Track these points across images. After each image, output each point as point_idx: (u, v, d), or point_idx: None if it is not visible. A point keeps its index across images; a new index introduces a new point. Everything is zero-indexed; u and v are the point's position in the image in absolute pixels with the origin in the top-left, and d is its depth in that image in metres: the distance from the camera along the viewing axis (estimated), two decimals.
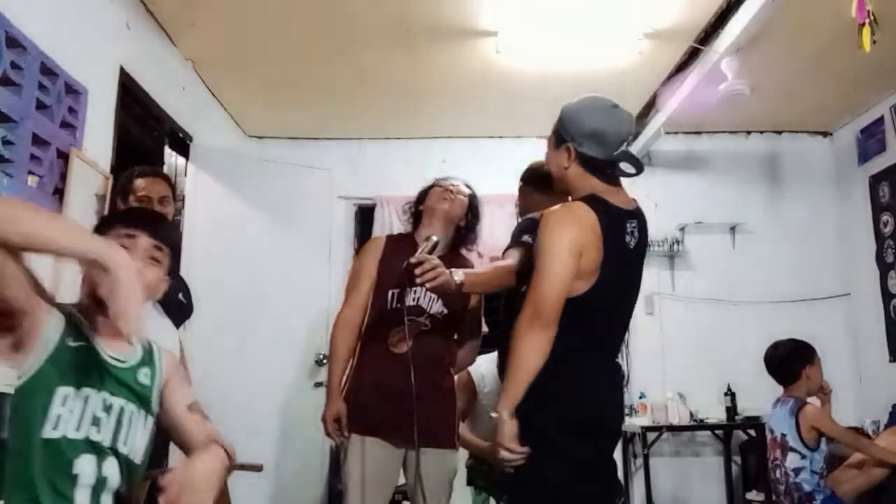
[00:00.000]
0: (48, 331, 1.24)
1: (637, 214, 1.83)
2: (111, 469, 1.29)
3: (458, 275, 1.84)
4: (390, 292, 2.16)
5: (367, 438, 2.11)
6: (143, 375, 1.42)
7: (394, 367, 2.07)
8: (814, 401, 2.86)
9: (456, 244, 2.33)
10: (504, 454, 1.67)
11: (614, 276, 1.76)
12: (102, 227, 1.43)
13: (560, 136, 1.82)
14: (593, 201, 1.74)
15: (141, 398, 1.40)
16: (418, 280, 1.79)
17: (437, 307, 2.18)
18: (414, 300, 2.15)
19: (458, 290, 1.91)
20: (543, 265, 1.69)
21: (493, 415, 1.70)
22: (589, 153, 1.77)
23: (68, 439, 1.23)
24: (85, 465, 1.25)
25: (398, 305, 2.13)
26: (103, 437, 1.29)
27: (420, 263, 1.79)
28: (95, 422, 1.28)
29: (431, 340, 2.17)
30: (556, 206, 1.79)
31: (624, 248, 1.78)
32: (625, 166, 1.83)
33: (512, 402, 1.66)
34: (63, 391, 1.24)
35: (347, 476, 2.11)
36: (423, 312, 2.16)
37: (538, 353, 1.66)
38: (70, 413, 1.24)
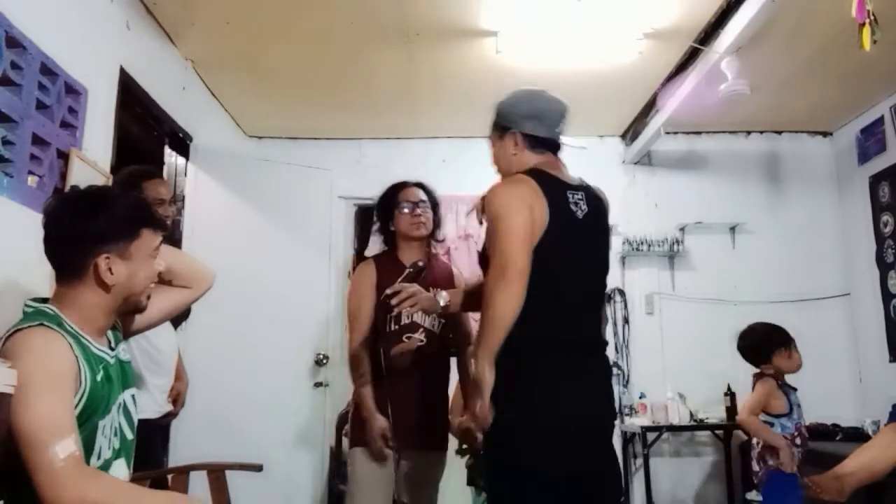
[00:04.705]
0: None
1: (583, 188, 1.89)
2: (131, 456, 1.46)
3: (443, 297, 2.02)
4: (388, 316, 2.28)
5: (368, 448, 2.25)
6: (123, 352, 1.48)
7: (391, 383, 2.24)
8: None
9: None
10: (479, 409, 1.64)
11: (565, 238, 1.77)
12: (129, 223, 1.42)
13: (502, 127, 1.93)
14: (529, 172, 1.83)
15: (128, 377, 1.49)
16: (395, 310, 2.01)
17: (429, 320, 2.32)
18: (408, 317, 2.29)
19: (445, 312, 2.10)
20: (499, 225, 1.71)
21: (472, 364, 1.71)
22: (532, 132, 1.88)
23: (106, 460, 1.36)
24: (118, 471, 1.39)
25: (395, 327, 2.29)
26: (124, 436, 1.43)
27: (397, 293, 1.98)
28: (117, 431, 1.41)
29: (427, 354, 2.31)
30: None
31: (570, 215, 1.80)
32: (566, 140, 1.94)
33: (490, 351, 1.65)
34: (102, 423, 1.35)
35: (352, 481, 2.29)
36: (419, 328, 2.31)
37: (509, 304, 1.64)
38: (104, 437, 1.36)
